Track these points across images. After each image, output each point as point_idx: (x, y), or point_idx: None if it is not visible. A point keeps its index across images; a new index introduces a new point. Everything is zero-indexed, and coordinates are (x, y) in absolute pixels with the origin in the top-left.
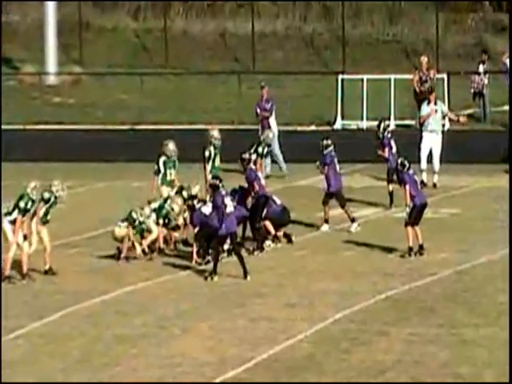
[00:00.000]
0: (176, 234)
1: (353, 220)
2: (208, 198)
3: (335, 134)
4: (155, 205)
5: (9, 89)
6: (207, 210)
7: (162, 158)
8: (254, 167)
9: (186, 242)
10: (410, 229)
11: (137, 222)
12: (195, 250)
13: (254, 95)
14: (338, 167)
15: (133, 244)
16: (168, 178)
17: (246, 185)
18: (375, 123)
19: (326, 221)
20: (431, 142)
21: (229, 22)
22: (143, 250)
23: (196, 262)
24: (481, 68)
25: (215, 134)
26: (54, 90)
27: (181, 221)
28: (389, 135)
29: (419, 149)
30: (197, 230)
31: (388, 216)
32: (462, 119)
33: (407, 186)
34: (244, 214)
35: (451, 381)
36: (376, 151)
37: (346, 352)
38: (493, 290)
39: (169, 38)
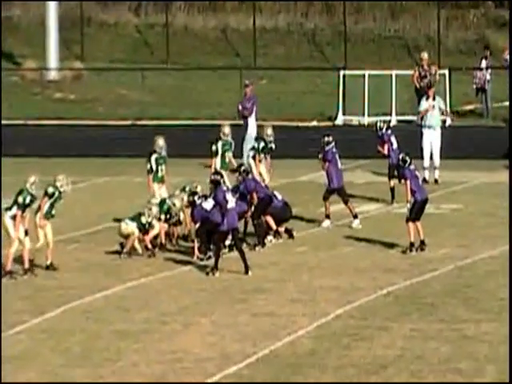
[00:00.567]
0: (178, 230)
1: (355, 216)
2: (209, 194)
3: (337, 130)
4: (156, 200)
5: (10, 84)
6: (208, 205)
7: (154, 156)
8: (251, 176)
9: (186, 238)
10: (411, 224)
11: (146, 226)
12: (196, 245)
13: (255, 91)
14: (339, 163)
15: (133, 241)
16: (159, 174)
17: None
18: (376, 119)
19: (328, 216)
20: (431, 138)
21: (230, 18)
22: (145, 246)
23: (197, 257)
24: (483, 63)
25: (226, 130)
26: (55, 86)
27: (182, 216)
28: (389, 131)
29: (421, 147)
30: (198, 225)
31: (389, 212)
32: (448, 120)
33: (408, 182)
34: (245, 210)
35: (452, 376)
36: (377, 147)
37: (347, 347)
38: (494, 286)
39: (170, 34)
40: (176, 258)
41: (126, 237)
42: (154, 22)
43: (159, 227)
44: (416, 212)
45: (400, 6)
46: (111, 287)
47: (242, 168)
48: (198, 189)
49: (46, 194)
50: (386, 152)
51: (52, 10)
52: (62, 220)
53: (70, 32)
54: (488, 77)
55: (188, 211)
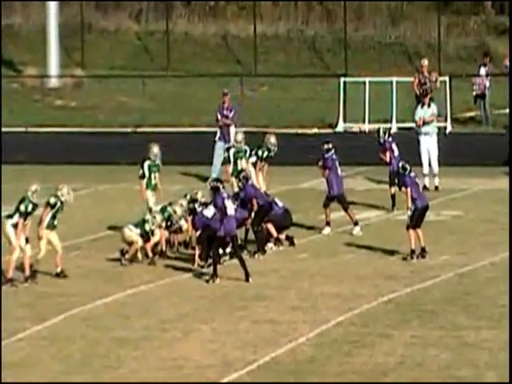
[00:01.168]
0: (179, 237)
1: (356, 223)
2: (210, 201)
3: (337, 137)
4: (157, 208)
5: (11, 91)
6: (209, 212)
7: (147, 162)
8: (250, 182)
9: (186, 245)
10: (411, 231)
11: (149, 234)
12: (197, 252)
13: (256, 98)
14: (339, 170)
15: (136, 251)
16: (153, 181)
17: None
18: (377, 126)
19: (328, 223)
20: (427, 145)
21: (231, 25)
22: (146, 254)
23: (198, 264)
24: (482, 70)
25: (238, 137)
26: (55, 93)
27: (184, 224)
28: (390, 139)
29: (419, 154)
30: (199, 233)
31: (390, 219)
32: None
33: (409, 189)
34: (245, 217)
35: (453, 382)
36: (378, 154)
37: (347, 355)
38: (494, 293)
39: (171, 41)
40: (176, 265)
41: (129, 243)
42: (155, 29)
43: (160, 234)
44: (416, 219)
45: (400, 12)
46: (112, 294)
47: (242, 174)
48: (199, 196)
49: (48, 204)
50: (387, 159)
51: (52, 17)
52: (64, 227)
53: (70, 39)
54: (487, 84)
55: (189, 218)
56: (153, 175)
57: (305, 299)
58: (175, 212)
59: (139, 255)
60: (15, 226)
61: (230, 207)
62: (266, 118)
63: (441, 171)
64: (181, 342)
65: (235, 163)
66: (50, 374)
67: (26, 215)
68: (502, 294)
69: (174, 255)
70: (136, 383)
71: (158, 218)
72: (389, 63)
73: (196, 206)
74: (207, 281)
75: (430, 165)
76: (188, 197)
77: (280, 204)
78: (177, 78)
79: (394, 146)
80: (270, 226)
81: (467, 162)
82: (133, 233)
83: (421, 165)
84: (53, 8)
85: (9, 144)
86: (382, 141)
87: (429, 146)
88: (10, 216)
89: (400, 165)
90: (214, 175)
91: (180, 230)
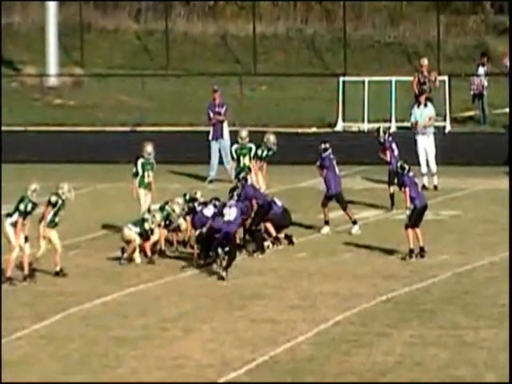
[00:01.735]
0: (178, 236)
1: (354, 222)
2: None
3: (336, 136)
4: (156, 207)
5: (10, 90)
6: (208, 212)
7: (140, 160)
8: (249, 183)
9: (185, 244)
10: (410, 231)
11: (149, 233)
12: (196, 251)
13: (255, 97)
14: (337, 170)
15: (134, 249)
16: (146, 180)
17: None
18: (376, 125)
19: (327, 223)
20: (424, 144)
21: (230, 24)
22: (145, 253)
23: (197, 263)
24: (480, 70)
25: (243, 134)
26: (55, 92)
27: (183, 222)
28: (390, 138)
29: (417, 154)
30: (198, 232)
31: (389, 218)
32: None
33: (407, 189)
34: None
35: (451, 382)
36: (378, 154)
37: (346, 354)
38: (493, 292)
39: (170, 40)
40: (176, 264)
41: (128, 242)
42: (154, 29)
43: (159, 233)
44: (415, 218)
45: (400, 12)
46: (111, 293)
47: (241, 175)
48: (198, 195)
49: (49, 203)
50: (388, 158)
51: (52, 16)
52: (63, 226)
53: (69, 38)
54: (485, 83)
55: (188, 218)
56: (146, 173)
57: (303, 298)
58: (174, 211)
59: (138, 258)
60: (14, 224)
61: (228, 214)
62: (266, 117)
63: (440, 171)
64: (180, 341)
65: (238, 160)
66: (48, 373)
67: (25, 214)
68: (501, 293)
69: (174, 254)
70: (135, 383)
71: (158, 216)
72: (388, 63)
73: (196, 204)
74: (222, 278)
75: (427, 164)
76: (187, 196)
77: (279, 203)
78: (176, 77)
79: (394, 146)
80: (269, 226)
81: (466, 162)
82: (132, 231)
83: (419, 164)
84: (52, 7)
85: (8, 143)
86: (381, 140)
87: (426, 146)
88: (10, 215)
89: (399, 164)
90: (212, 173)
91: (179, 228)
